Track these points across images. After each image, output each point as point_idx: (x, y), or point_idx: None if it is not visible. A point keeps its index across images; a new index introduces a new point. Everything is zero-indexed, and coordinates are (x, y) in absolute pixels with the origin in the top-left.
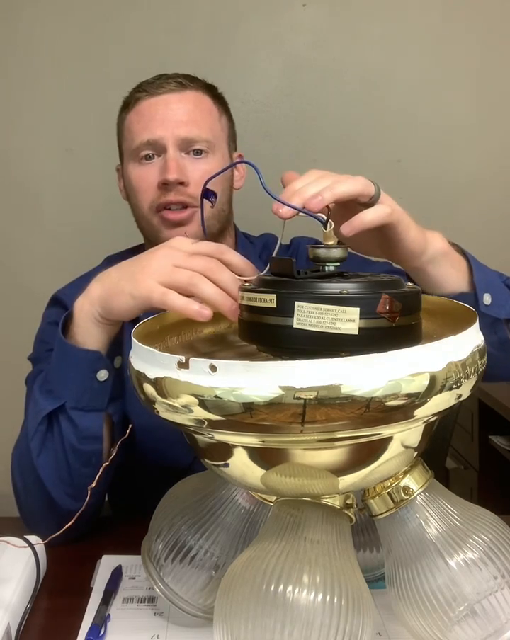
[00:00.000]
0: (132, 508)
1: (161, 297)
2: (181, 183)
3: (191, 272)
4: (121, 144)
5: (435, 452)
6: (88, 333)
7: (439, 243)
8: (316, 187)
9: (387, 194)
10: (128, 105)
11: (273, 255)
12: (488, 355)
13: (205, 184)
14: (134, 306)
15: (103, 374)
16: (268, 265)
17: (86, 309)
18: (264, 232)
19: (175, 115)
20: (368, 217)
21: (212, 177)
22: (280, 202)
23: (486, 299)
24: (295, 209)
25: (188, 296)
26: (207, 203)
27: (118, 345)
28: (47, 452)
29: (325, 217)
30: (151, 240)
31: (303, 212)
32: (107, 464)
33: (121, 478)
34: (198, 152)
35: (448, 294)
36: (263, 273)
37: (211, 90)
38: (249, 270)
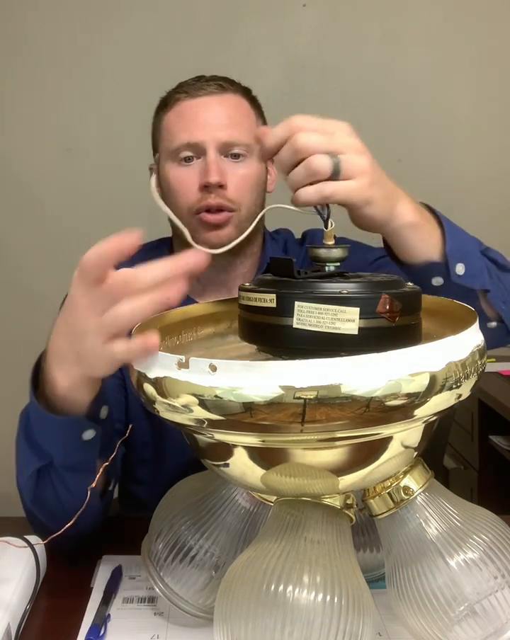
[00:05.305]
0: (144, 503)
1: (124, 355)
2: (221, 186)
3: (124, 310)
4: (157, 143)
5: (432, 452)
6: (73, 402)
7: (407, 216)
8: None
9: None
10: (167, 104)
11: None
12: None
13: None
14: (109, 370)
15: (88, 434)
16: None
17: (66, 383)
18: (278, 227)
19: (215, 118)
20: (303, 198)
21: None
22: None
23: (460, 268)
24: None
25: None
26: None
27: (102, 394)
28: (40, 502)
29: (326, 214)
30: (182, 240)
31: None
32: (107, 464)
33: (128, 476)
34: (237, 156)
35: (417, 263)
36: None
37: (248, 94)
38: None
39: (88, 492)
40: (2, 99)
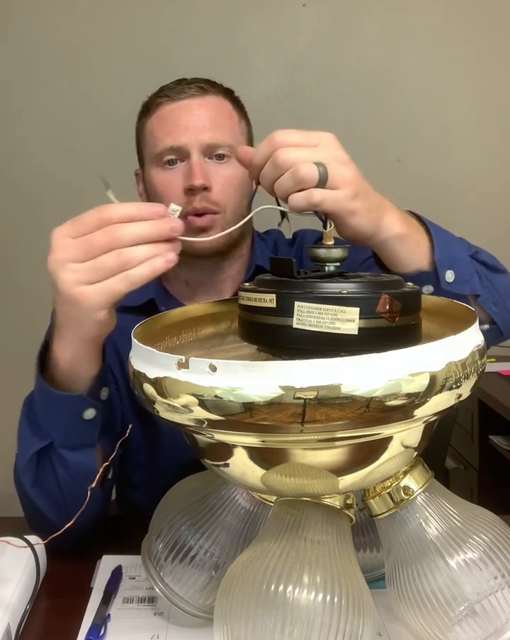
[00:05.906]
0: (140, 507)
1: (109, 296)
2: (206, 188)
3: (107, 256)
4: (141, 148)
5: (434, 452)
6: (76, 378)
7: (395, 228)
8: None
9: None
10: (149, 109)
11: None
12: None
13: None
14: (103, 321)
15: (89, 413)
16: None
17: (67, 355)
18: (268, 228)
19: (197, 121)
20: (292, 204)
21: None
22: None
23: (449, 276)
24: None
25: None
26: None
27: (104, 375)
28: (40, 486)
29: (325, 215)
30: None
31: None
32: (107, 464)
33: (127, 478)
34: (221, 157)
35: (407, 273)
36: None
37: (230, 95)
38: (142, 208)
39: (89, 492)
40: (2, 99)
